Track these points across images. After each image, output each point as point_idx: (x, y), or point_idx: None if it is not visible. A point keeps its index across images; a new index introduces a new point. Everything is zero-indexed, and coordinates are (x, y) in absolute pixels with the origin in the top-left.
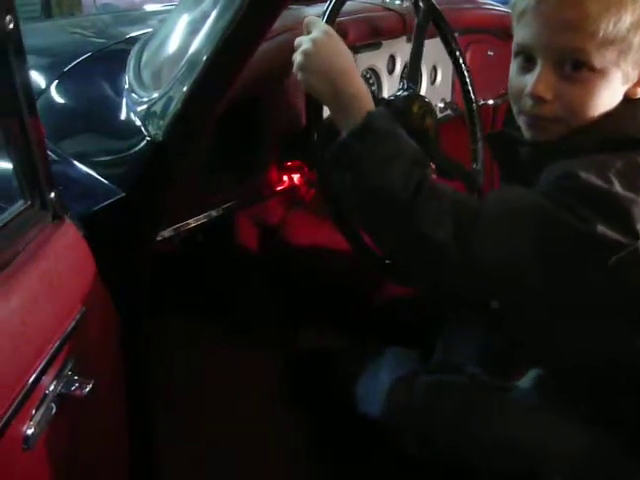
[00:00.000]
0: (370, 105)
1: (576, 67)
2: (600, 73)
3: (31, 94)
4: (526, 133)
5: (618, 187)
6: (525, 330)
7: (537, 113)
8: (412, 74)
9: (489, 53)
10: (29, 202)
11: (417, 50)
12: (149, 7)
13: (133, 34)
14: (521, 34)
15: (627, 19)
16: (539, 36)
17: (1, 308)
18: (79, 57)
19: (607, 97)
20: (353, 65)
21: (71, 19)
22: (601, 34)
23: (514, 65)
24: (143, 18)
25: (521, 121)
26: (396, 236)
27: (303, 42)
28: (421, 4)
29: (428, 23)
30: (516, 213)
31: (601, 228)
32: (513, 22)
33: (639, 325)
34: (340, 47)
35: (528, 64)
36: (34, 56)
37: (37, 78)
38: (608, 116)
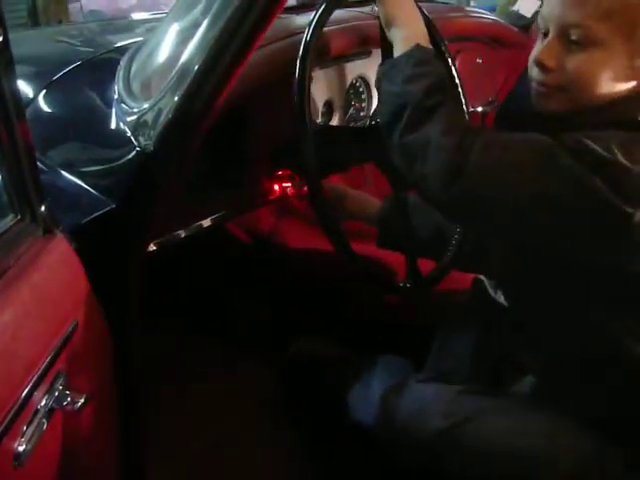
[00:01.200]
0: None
1: (579, 39)
2: (601, 46)
3: (21, 107)
4: (535, 101)
5: (621, 158)
6: (522, 329)
7: (542, 80)
8: None
9: (478, 60)
10: (19, 216)
11: None
12: (136, 15)
13: (121, 43)
14: (543, 10)
15: None
16: (552, 10)
17: None
18: (67, 66)
19: (610, 72)
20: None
21: (58, 27)
22: (602, 9)
23: (539, 41)
24: (130, 27)
25: (532, 90)
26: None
27: None
28: None
29: None
30: (518, 142)
31: (602, 186)
32: None
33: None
34: None
35: (545, 36)
36: (22, 65)
37: (25, 87)
38: (619, 96)
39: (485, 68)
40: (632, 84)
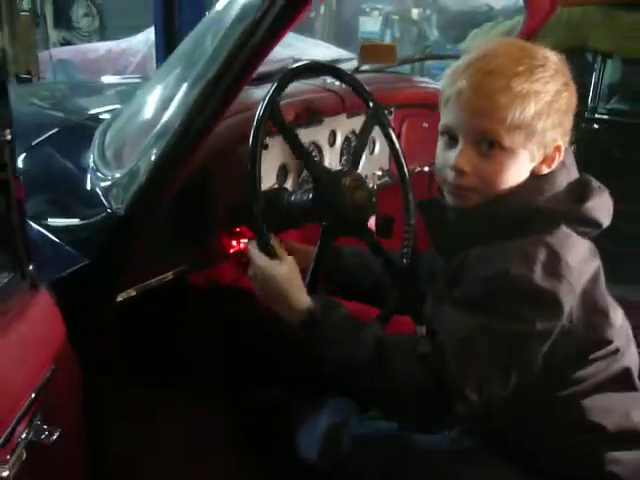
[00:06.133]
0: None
1: (490, 146)
2: (509, 152)
3: (21, 189)
4: (449, 200)
5: (542, 279)
6: None
7: (458, 183)
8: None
9: (424, 125)
10: (12, 274)
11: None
12: (106, 79)
13: (94, 110)
14: (446, 117)
15: (531, 109)
16: (460, 120)
17: None
18: (44, 132)
19: (515, 172)
20: (288, 284)
21: (29, 87)
22: (509, 120)
23: (440, 142)
24: (100, 90)
25: (445, 190)
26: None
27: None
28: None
29: None
30: (470, 345)
31: (539, 323)
32: (440, 106)
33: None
34: (274, 273)
35: (452, 142)
36: None
37: None
38: (519, 189)
39: (431, 132)
40: (528, 176)
